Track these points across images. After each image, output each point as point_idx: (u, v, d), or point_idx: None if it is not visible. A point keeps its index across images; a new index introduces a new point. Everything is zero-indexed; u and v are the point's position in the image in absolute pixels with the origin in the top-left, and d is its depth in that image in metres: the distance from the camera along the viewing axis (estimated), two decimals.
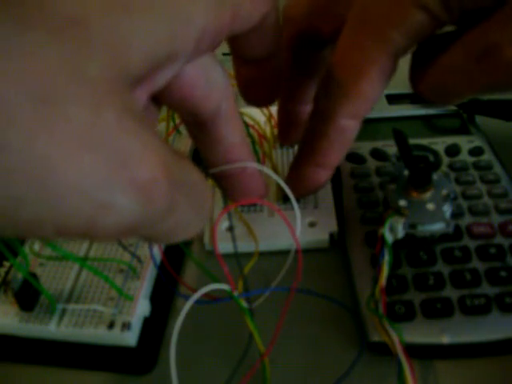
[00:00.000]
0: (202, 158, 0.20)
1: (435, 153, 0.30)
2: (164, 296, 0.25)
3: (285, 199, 0.28)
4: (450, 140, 0.31)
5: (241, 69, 0.20)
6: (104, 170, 0.10)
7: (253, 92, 0.21)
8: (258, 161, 0.30)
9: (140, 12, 0.12)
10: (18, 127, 0.09)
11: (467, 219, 0.26)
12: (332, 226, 0.27)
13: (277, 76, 0.20)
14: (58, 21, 0.10)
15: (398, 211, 0.23)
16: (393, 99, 0.36)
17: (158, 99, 0.16)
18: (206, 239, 0.27)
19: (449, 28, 0.19)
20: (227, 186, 0.20)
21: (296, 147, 0.32)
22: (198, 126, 0.18)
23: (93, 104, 0.10)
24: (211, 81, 0.16)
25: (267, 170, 0.21)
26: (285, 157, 0.32)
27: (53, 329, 0.22)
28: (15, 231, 0.11)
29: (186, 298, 0.19)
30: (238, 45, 0.18)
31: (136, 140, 0.11)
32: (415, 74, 0.20)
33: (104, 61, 0.11)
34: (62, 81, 0.10)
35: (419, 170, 0.24)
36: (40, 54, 0.10)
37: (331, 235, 0.27)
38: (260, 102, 0.22)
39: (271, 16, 0.17)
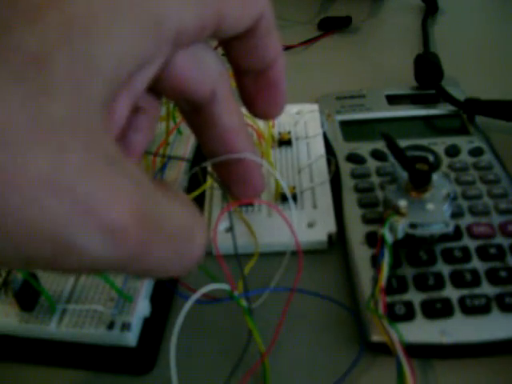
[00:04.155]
0: (202, 148, 0.20)
1: (435, 153, 0.30)
2: (164, 296, 0.25)
3: (283, 199, 0.28)
4: (450, 140, 0.31)
5: (242, 83, 0.19)
6: (66, 214, 0.10)
7: (258, 105, 0.20)
8: None
9: (102, 30, 0.11)
10: None
11: (467, 219, 0.26)
12: (330, 226, 0.27)
13: (280, 84, 0.20)
14: (17, 60, 0.10)
15: (398, 211, 0.23)
16: (393, 99, 0.36)
17: (154, 90, 0.16)
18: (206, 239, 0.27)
19: None
20: (224, 174, 0.20)
21: (294, 147, 0.32)
22: (196, 113, 0.18)
23: (57, 147, 0.10)
24: (203, 66, 0.16)
25: (264, 164, 0.21)
26: (283, 156, 0.32)
27: (53, 329, 0.22)
28: None
29: (186, 298, 0.19)
30: (235, 55, 0.18)
31: (104, 183, 0.11)
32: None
33: (68, 98, 0.11)
34: (24, 125, 0.10)
35: (416, 169, 0.24)
36: (1, 96, 0.10)
37: (329, 236, 0.27)
38: (268, 115, 0.21)
39: (266, 19, 0.16)
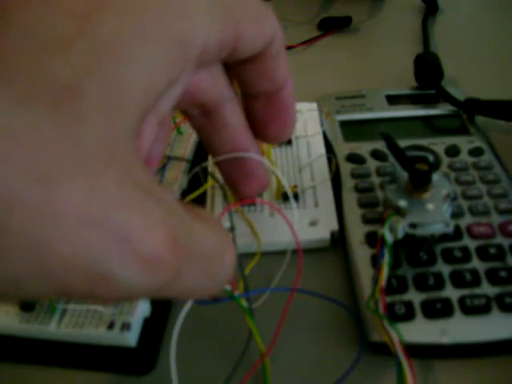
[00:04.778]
0: (209, 150, 0.20)
1: (435, 153, 0.30)
2: None
3: (284, 198, 0.28)
4: (450, 140, 0.31)
5: (253, 108, 0.19)
6: (103, 245, 0.10)
7: (271, 130, 0.20)
8: None
9: (131, 55, 0.11)
10: (17, 209, 0.09)
11: (467, 219, 0.26)
12: (333, 224, 0.27)
13: (292, 107, 0.19)
14: (51, 91, 0.10)
15: (398, 211, 0.23)
16: (393, 99, 0.36)
17: None
18: None
19: None
20: (230, 172, 0.20)
21: (295, 146, 0.32)
22: (204, 115, 0.18)
23: (92, 177, 0.10)
24: (213, 70, 0.17)
25: (266, 161, 0.21)
26: (283, 155, 0.32)
27: (53, 329, 0.22)
28: (21, 299, 0.11)
29: None
30: (247, 78, 0.18)
31: (139, 214, 0.11)
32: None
33: (101, 127, 0.11)
34: (60, 157, 0.10)
35: (416, 169, 0.24)
36: (36, 129, 0.09)
37: (332, 234, 0.27)
38: (279, 139, 0.21)
39: (277, 41, 0.16)
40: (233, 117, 0.18)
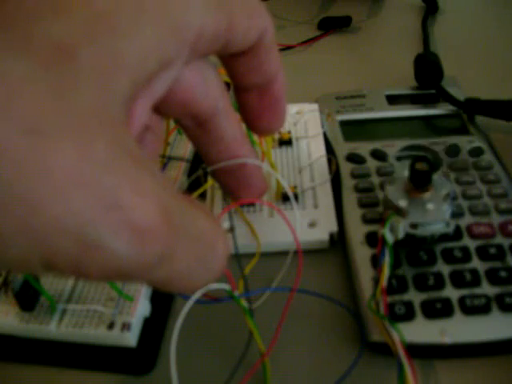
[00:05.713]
0: (204, 159, 0.20)
1: (435, 153, 0.30)
2: (164, 296, 0.25)
3: (284, 199, 0.28)
4: (450, 140, 0.31)
5: (245, 100, 0.19)
6: (93, 208, 0.10)
7: (263, 121, 0.20)
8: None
9: (127, 28, 0.11)
10: (5, 161, 0.09)
11: (467, 219, 0.26)
12: (332, 226, 0.27)
13: (283, 99, 0.20)
14: (46, 50, 0.10)
15: (398, 211, 0.23)
16: (393, 99, 0.36)
17: (160, 109, 0.16)
18: None
19: None
20: (228, 181, 0.20)
21: (295, 147, 0.32)
22: (199, 126, 0.18)
23: (83, 137, 0.10)
24: (207, 80, 0.16)
25: (265, 166, 0.21)
26: (283, 156, 0.32)
27: (53, 329, 0.22)
28: (4, 267, 0.10)
29: (186, 298, 0.19)
30: (240, 71, 0.18)
31: (130, 180, 0.11)
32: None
33: (94, 90, 0.11)
34: (52, 113, 0.10)
35: (416, 169, 0.24)
36: (29, 85, 0.09)
37: (331, 236, 0.27)
38: (271, 130, 0.21)
39: (269, 34, 0.17)
40: (229, 128, 0.18)
